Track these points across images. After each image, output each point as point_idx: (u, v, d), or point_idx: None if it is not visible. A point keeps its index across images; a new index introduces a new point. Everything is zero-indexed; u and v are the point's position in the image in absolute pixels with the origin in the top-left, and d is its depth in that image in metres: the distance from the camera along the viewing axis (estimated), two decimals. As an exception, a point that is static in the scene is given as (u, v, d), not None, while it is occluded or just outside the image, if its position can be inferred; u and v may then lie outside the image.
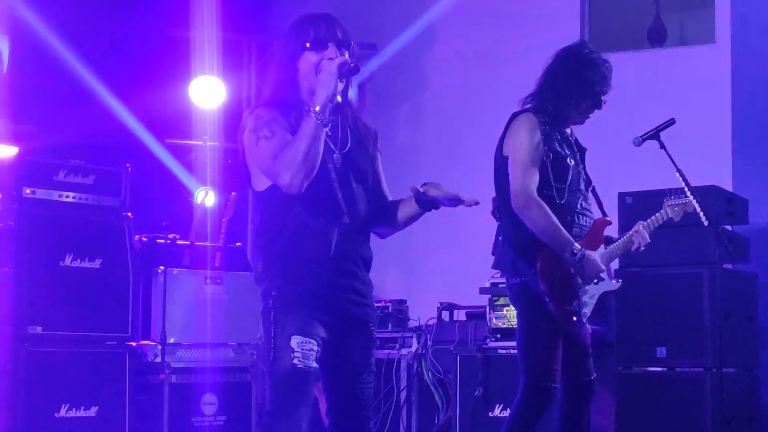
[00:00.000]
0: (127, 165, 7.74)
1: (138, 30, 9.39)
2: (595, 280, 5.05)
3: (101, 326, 7.39)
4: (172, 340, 7.84)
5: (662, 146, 5.44)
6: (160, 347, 7.73)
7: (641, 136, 5.46)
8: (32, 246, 7.18)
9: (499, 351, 7.68)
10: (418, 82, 10.38)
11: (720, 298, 6.77)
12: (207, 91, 9.68)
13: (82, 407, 7.20)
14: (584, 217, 5.17)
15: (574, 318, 5.03)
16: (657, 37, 9.88)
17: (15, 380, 7.05)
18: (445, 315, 8.70)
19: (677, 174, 5.48)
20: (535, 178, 4.97)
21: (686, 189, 5.45)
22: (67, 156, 7.58)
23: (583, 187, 5.21)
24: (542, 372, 4.99)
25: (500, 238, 5.18)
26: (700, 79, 9.12)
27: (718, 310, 6.75)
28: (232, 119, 10.40)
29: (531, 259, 4.98)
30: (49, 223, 7.27)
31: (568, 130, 5.27)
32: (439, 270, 9.78)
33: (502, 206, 5.12)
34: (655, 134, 5.46)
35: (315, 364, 3.95)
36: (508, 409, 7.30)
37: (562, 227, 4.96)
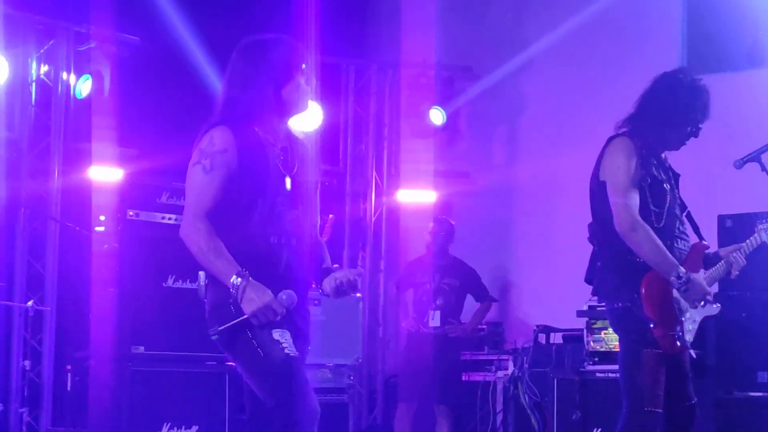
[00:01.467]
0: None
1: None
2: (702, 303, 5.02)
3: (202, 346, 7.47)
4: (270, 360, 7.91)
5: (763, 168, 5.38)
6: (258, 367, 7.81)
7: (742, 159, 5.40)
8: (136, 267, 7.34)
9: (597, 374, 7.64)
10: (514, 105, 10.38)
11: (823, 321, 6.67)
12: (304, 115, 9.75)
13: (183, 426, 7.33)
14: (682, 241, 5.14)
15: (679, 343, 4.99)
16: (756, 59, 9.76)
17: (118, 399, 7.20)
18: (542, 338, 8.67)
19: (778, 196, 5.43)
20: (637, 201, 4.95)
21: (788, 212, 5.38)
22: (169, 178, 7.73)
23: (678, 211, 5.18)
24: (647, 397, 4.95)
25: (599, 263, 5.15)
26: (800, 99, 8.99)
27: (821, 333, 6.66)
28: (330, 143, 10.51)
29: (634, 284, 4.95)
30: (152, 245, 7.42)
31: (663, 155, 5.24)
32: (536, 293, 9.76)
33: (600, 231, 5.09)
34: (756, 156, 5.40)
35: (296, 351, 4.04)
36: (606, 433, 7.26)
37: (666, 250, 4.94)
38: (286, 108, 4.24)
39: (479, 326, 9.21)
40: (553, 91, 10.03)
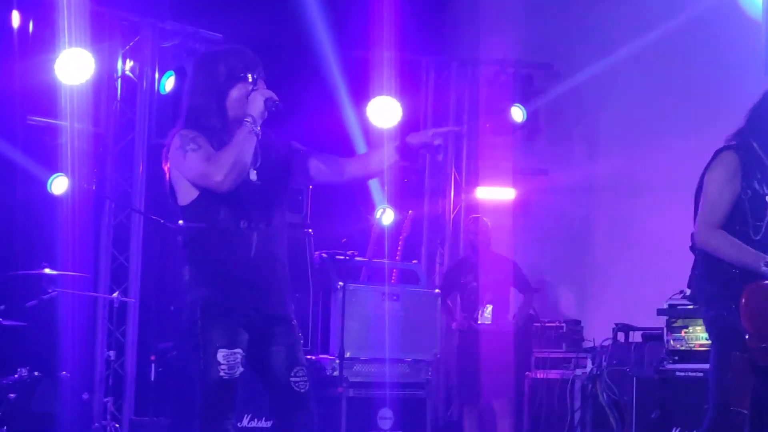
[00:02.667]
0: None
1: (317, 51, 9.59)
2: None
3: (282, 339, 7.58)
4: (348, 355, 7.99)
5: None
6: (338, 361, 7.89)
7: None
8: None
9: (677, 373, 7.59)
10: (595, 103, 10.33)
11: None
12: (383, 112, 9.83)
13: (263, 418, 7.41)
14: (777, 256, 5.11)
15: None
16: None
17: (200, 390, 7.29)
18: (621, 336, 8.64)
19: None
20: (720, 214, 4.94)
21: None
22: (251, 174, 7.80)
23: (778, 226, 5.15)
24: (733, 397, 4.94)
25: (697, 272, 5.16)
26: None
27: None
28: (410, 139, 10.54)
29: (729, 294, 4.94)
30: (234, 239, 7.50)
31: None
32: (615, 291, 9.71)
33: (699, 240, 5.10)
34: None
35: (241, 369, 4.32)
36: (685, 433, 7.21)
37: (745, 246, 4.92)
38: (228, 116, 4.46)
39: (538, 321, 9.28)
40: (634, 90, 9.94)
